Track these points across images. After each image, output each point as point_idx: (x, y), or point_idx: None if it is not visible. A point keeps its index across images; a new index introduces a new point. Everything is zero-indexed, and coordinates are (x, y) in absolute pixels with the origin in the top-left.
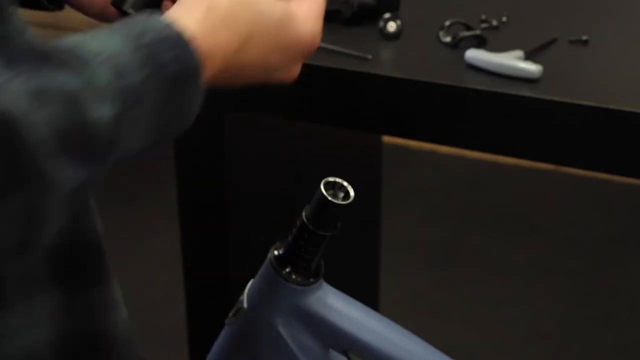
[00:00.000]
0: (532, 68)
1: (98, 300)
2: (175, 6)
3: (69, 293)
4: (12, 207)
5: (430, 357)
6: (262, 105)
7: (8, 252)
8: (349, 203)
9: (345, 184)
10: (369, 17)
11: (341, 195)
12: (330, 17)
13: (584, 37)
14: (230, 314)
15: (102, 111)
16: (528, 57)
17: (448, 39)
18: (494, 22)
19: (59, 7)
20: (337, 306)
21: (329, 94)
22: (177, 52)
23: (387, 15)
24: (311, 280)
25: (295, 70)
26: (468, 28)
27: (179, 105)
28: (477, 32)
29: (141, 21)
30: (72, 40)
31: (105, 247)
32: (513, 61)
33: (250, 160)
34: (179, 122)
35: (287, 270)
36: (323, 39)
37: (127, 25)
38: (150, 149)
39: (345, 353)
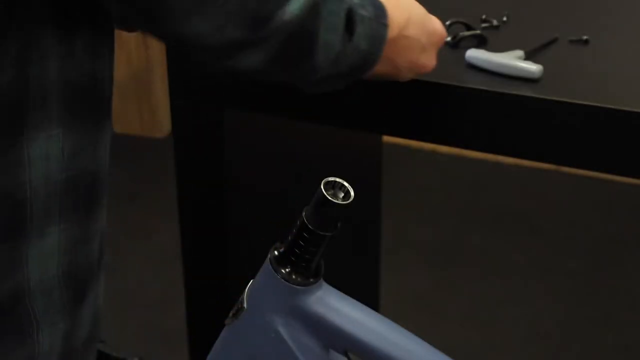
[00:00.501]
0: (532, 68)
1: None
2: None
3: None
4: None
5: (430, 357)
6: (262, 105)
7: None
8: (349, 203)
9: (345, 184)
10: None
11: (341, 195)
12: None
13: (584, 37)
14: (230, 314)
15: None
16: (528, 57)
17: (448, 39)
18: (494, 22)
19: None
20: (337, 306)
21: (329, 94)
22: (376, 7)
23: None
24: (311, 280)
25: (433, 58)
26: (468, 28)
27: (370, 39)
28: (478, 31)
29: None
30: None
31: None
32: (513, 61)
33: (250, 160)
34: (368, 52)
35: (287, 270)
36: None
37: None
38: (359, 59)
39: (345, 353)
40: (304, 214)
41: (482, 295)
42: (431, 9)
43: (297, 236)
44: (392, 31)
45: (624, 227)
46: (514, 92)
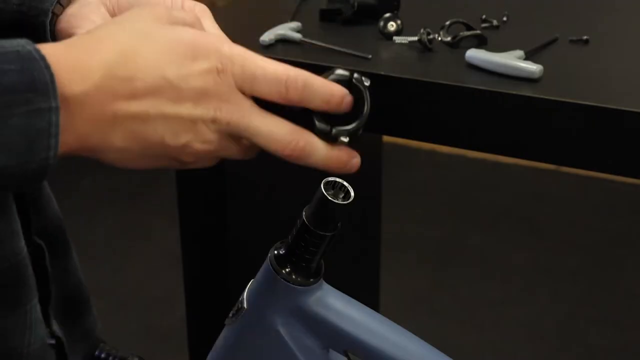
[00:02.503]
0: (532, 68)
1: (15, 322)
2: None
3: None
4: None
5: (430, 357)
6: (262, 106)
7: None
8: (349, 203)
9: (345, 184)
10: (369, 17)
11: (341, 195)
12: (330, 17)
13: (585, 37)
14: (230, 314)
15: None
16: (528, 56)
17: (448, 39)
18: (494, 22)
19: None
20: (337, 306)
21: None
22: (19, 65)
23: (387, 15)
24: (311, 280)
25: (219, 102)
26: (468, 28)
27: (24, 125)
28: (478, 31)
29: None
30: None
31: (28, 271)
32: (513, 61)
33: (250, 160)
34: (29, 148)
35: (287, 270)
36: (323, 39)
37: None
38: None
39: (345, 353)
40: (304, 214)
41: (482, 295)
42: (431, 9)
43: (297, 236)
44: (85, 78)
45: (624, 227)
46: (514, 92)
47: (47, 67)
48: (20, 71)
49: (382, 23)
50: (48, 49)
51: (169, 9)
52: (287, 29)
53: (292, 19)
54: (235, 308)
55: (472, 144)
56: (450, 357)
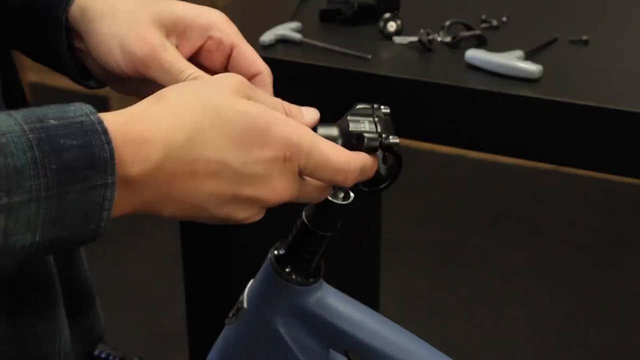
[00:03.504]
0: (532, 68)
1: (45, 328)
2: None
3: (15, 325)
4: None
5: (430, 357)
6: None
7: None
8: (349, 203)
9: None
10: (369, 17)
11: (341, 195)
12: (330, 17)
13: (584, 37)
14: (230, 314)
15: None
16: (528, 57)
17: (448, 39)
18: (494, 22)
19: (97, 84)
20: (337, 306)
21: (329, 94)
22: (81, 139)
23: (387, 15)
24: (311, 280)
25: (278, 185)
26: (468, 28)
27: (79, 201)
28: (477, 32)
29: (54, 107)
30: None
31: (53, 272)
32: (513, 61)
33: None
34: (82, 221)
35: (287, 270)
36: (323, 39)
37: (37, 109)
38: (45, 251)
39: (345, 353)
40: (304, 214)
41: (482, 295)
42: (431, 9)
43: (297, 236)
44: (148, 154)
45: (624, 227)
46: (514, 92)
47: (109, 142)
48: (82, 147)
49: (382, 23)
50: (111, 121)
51: (249, 84)
52: (287, 29)
53: (292, 19)
54: (235, 308)
55: (472, 144)
56: (450, 357)
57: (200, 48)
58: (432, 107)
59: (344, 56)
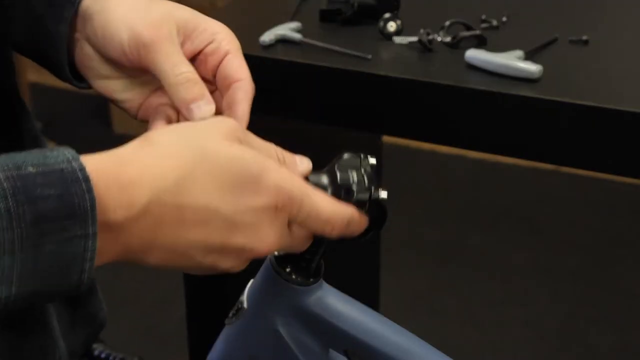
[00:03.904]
0: (532, 68)
1: (45, 340)
2: None
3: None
4: None
5: (430, 357)
6: (262, 106)
7: None
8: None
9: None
10: (369, 17)
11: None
12: (330, 17)
13: (584, 37)
14: (230, 314)
15: None
16: (528, 57)
17: (448, 39)
18: (494, 22)
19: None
20: (337, 306)
21: (329, 94)
22: (60, 188)
23: (387, 15)
24: (311, 280)
25: (269, 235)
26: (468, 28)
27: (57, 253)
28: (477, 32)
29: (36, 152)
30: None
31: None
32: (513, 61)
33: None
34: (62, 273)
35: (287, 270)
36: (323, 39)
37: (18, 154)
38: (23, 302)
39: (345, 353)
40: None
41: (482, 295)
42: (431, 9)
43: None
44: (133, 198)
45: (624, 227)
46: (514, 92)
47: (90, 190)
48: (60, 196)
49: (382, 23)
50: (95, 163)
51: (243, 130)
52: (287, 29)
53: (292, 19)
54: (235, 308)
55: (472, 144)
56: (450, 357)
57: (199, 52)
58: (432, 107)
59: (344, 56)
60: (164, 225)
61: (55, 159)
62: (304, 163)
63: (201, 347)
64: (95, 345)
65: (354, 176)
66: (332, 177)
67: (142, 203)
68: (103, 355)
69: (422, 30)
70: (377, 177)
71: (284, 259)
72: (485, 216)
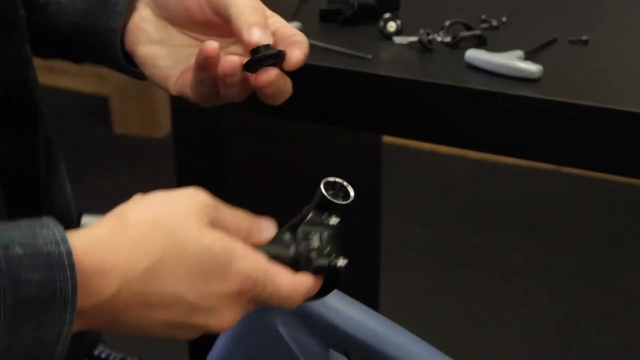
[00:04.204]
0: (532, 68)
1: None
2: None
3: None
4: None
5: (430, 357)
6: (262, 106)
7: None
8: (349, 203)
9: (345, 184)
10: (369, 17)
11: (341, 195)
12: (330, 17)
13: (584, 37)
14: None
15: None
16: (528, 57)
17: (448, 39)
18: (494, 22)
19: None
20: (337, 306)
21: (329, 94)
22: (45, 273)
23: (387, 15)
24: None
25: (228, 315)
26: (468, 28)
27: (33, 336)
28: (477, 32)
29: (25, 226)
30: None
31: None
32: (513, 61)
33: (249, 160)
34: (34, 354)
35: None
36: (323, 39)
37: (7, 228)
38: None
39: (345, 353)
40: (304, 213)
41: (482, 295)
42: (431, 9)
43: None
44: (104, 285)
45: (624, 227)
46: (514, 92)
47: (73, 277)
48: (44, 282)
49: (382, 23)
50: (77, 247)
51: (214, 205)
52: None
53: (292, 19)
54: None
55: (472, 144)
56: (450, 357)
57: None
58: (432, 107)
59: (344, 56)
60: (130, 309)
61: (44, 238)
62: (269, 229)
63: (201, 347)
64: None
65: (314, 243)
66: (294, 241)
67: (112, 291)
68: (103, 355)
69: (422, 30)
70: (339, 240)
71: None
72: (485, 216)
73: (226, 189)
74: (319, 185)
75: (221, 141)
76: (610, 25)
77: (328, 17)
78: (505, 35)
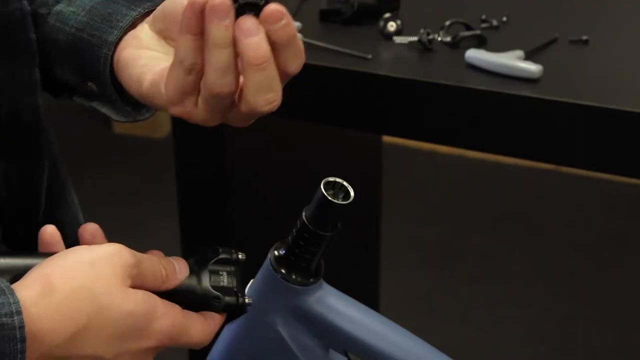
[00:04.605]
0: (532, 68)
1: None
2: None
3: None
4: None
5: (430, 357)
6: None
7: None
8: (349, 203)
9: (345, 184)
10: (369, 17)
11: (341, 195)
12: (330, 17)
13: (584, 37)
14: None
15: None
16: (528, 57)
17: (448, 39)
18: (494, 22)
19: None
20: (337, 306)
21: (329, 94)
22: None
23: (387, 15)
24: (311, 280)
25: None
26: (468, 28)
27: None
28: (477, 32)
29: None
30: None
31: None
32: (513, 61)
33: (250, 160)
34: None
35: (287, 270)
36: (323, 39)
37: None
38: None
39: (345, 353)
40: (304, 214)
41: (482, 295)
42: (431, 9)
43: (297, 236)
44: (32, 352)
45: (624, 227)
46: (514, 92)
47: (23, 352)
48: None
49: (382, 23)
50: (31, 310)
51: (134, 262)
52: None
53: (292, 19)
54: None
55: (472, 144)
56: (450, 357)
57: None
58: (432, 107)
59: (344, 56)
60: None
61: (0, 307)
62: (182, 271)
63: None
64: None
65: (224, 278)
66: (206, 279)
67: (34, 357)
68: None
69: (422, 30)
70: (242, 274)
71: (284, 259)
72: (485, 216)
73: (226, 189)
74: (319, 185)
75: (221, 141)
76: (610, 25)
77: (328, 17)
78: (505, 35)
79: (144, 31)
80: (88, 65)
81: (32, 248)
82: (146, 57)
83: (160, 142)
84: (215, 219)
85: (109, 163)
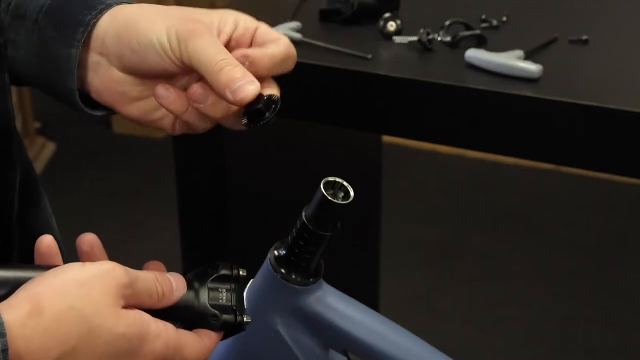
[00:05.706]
0: (532, 68)
1: None
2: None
3: None
4: None
5: (430, 357)
6: None
7: None
8: (349, 203)
9: (345, 184)
10: (369, 17)
11: (341, 195)
12: (330, 17)
13: (584, 37)
14: None
15: None
16: (528, 57)
17: (448, 39)
18: (494, 22)
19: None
20: (337, 306)
21: (329, 94)
22: None
23: (387, 15)
24: (311, 280)
25: None
26: (468, 28)
27: None
28: (477, 32)
29: None
30: None
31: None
32: (513, 61)
33: (250, 160)
34: None
35: (287, 270)
36: (323, 39)
37: None
38: None
39: (345, 353)
40: (304, 214)
41: (482, 295)
42: (431, 9)
43: (297, 236)
44: None
45: (624, 227)
46: (514, 92)
47: None
48: None
49: (382, 23)
50: (18, 331)
51: (128, 282)
52: (287, 29)
53: (292, 19)
54: None
55: (472, 144)
56: (450, 357)
57: (229, 41)
58: (432, 107)
59: (344, 56)
60: None
61: None
62: (180, 288)
63: None
64: None
65: (223, 295)
66: (203, 297)
67: None
68: None
69: (422, 30)
70: (243, 292)
71: (283, 259)
72: (485, 216)
73: (226, 189)
74: (319, 185)
75: (221, 141)
76: (610, 25)
77: (328, 17)
78: (505, 35)
79: (124, 83)
80: (54, 80)
81: (4, 253)
82: (153, 108)
83: (160, 142)
84: (215, 219)
85: (108, 163)
